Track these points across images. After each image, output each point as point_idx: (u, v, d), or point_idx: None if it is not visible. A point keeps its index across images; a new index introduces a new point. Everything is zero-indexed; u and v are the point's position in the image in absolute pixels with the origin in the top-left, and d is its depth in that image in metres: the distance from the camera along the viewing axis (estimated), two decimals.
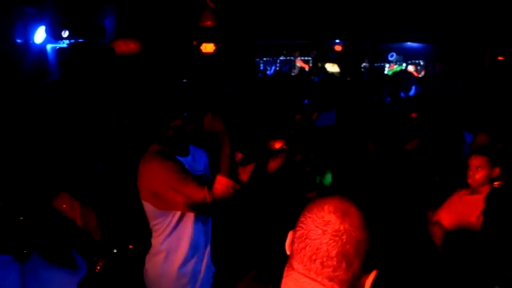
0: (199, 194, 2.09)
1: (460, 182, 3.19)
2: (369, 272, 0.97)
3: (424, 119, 4.51)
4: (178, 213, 2.23)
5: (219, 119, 2.16)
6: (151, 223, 2.31)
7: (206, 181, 2.26)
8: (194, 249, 2.32)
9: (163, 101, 2.20)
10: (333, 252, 0.95)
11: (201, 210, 2.20)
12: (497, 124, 5.27)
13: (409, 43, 11.74)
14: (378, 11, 9.38)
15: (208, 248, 2.45)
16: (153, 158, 2.20)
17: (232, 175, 2.13)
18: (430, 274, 2.94)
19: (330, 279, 0.96)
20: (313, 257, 0.97)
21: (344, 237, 0.95)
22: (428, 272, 2.96)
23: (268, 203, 3.13)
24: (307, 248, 0.98)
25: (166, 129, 2.19)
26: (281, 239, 1.10)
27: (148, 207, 2.25)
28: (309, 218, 1.00)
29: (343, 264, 0.95)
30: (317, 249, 0.96)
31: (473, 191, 2.97)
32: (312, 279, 0.98)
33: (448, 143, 3.79)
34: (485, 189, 2.93)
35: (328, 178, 3.53)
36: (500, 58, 10.39)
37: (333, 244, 0.95)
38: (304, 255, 0.98)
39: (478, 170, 2.92)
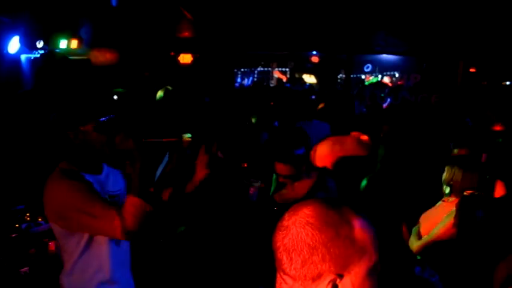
0: (106, 214, 1.97)
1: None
2: (328, 275, 1.00)
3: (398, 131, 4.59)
4: (87, 235, 2.12)
5: (130, 138, 2.06)
6: (60, 243, 2.20)
7: (116, 203, 2.18)
8: (111, 272, 2.19)
9: (78, 99, 2.14)
10: (277, 244, 1.06)
11: (110, 233, 2.02)
12: (472, 134, 5.38)
13: (384, 55, 11.96)
14: (354, 24, 9.53)
15: (128, 273, 2.34)
16: (58, 177, 2.09)
17: (144, 195, 2.00)
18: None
19: (284, 272, 1.05)
20: (274, 251, 1.08)
21: (284, 232, 1.04)
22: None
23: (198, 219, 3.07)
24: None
25: (75, 133, 2.09)
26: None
27: (55, 228, 2.14)
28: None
29: (285, 257, 1.03)
30: (273, 243, 1.08)
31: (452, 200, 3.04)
32: (277, 271, 1.09)
33: (434, 154, 3.86)
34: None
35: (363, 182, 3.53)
36: (472, 70, 10.67)
37: (277, 237, 1.06)
38: None
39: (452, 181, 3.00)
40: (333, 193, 2.72)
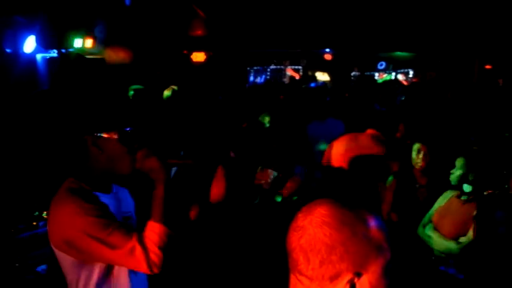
0: (126, 243, 1.71)
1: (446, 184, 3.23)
2: (346, 274, 0.99)
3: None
4: (102, 266, 1.83)
5: (154, 156, 1.83)
6: (68, 277, 1.87)
7: (131, 226, 1.91)
8: None
9: (106, 101, 1.92)
10: (292, 245, 1.04)
11: (133, 265, 1.75)
12: (486, 132, 5.31)
13: (398, 52, 11.87)
14: (368, 21, 9.47)
15: None
16: (67, 198, 1.79)
17: (167, 221, 1.78)
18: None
19: (300, 273, 1.04)
20: (288, 251, 1.07)
21: (301, 232, 1.03)
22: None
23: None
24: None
25: (94, 140, 1.81)
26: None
27: (62, 258, 1.82)
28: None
29: (301, 258, 1.02)
30: (288, 243, 1.06)
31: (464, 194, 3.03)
32: (292, 272, 1.07)
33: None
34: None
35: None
36: (487, 67, 10.54)
37: (292, 238, 1.05)
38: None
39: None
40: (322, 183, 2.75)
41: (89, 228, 1.71)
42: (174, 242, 1.78)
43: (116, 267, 1.85)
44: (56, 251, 1.82)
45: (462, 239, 2.92)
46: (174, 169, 3.19)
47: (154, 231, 1.76)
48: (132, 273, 1.89)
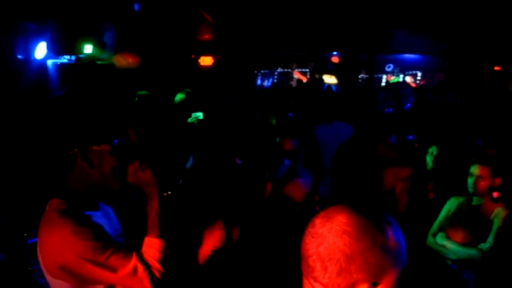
0: (127, 264, 1.64)
1: (455, 190, 3.20)
2: (362, 284, 0.99)
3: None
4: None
5: (148, 169, 1.74)
6: None
7: (127, 245, 1.81)
8: None
9: (98, 112, 1.83)
10: (309, 252, 1.03)
11: (133, 284, 1.67)
12: (497, 133, 5.27)
13: (406, 54, 11.83)
14: (375, 23, 9.45)
15: None
16: (58, 221, 1.67)
17: (165, 236, 1.72)
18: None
19: (314, 280, 1.03)
20: (303, 257, 1.06)
21: (319, 239, 1.02)
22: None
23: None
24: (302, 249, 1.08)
25: (83, 154, 1.70)
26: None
27: (58, 284, 1.70)
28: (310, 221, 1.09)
29: (318, 266, 1.01)
30: (304, 249, 1.05)
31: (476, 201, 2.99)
32: (306, 277, 1.07)
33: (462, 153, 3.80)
34: (489, 202, 2.95)
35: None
36: (497, 68, 10.47)
37: (310, 244, 1.03)
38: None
39: (480, 180, 2.93)
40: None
41: (86, 253, 1.63)
42: (173, 255, 1.73)
43: None
44: (51, 279, 1.71)
45: (482, 245, 2.89)
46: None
47: (153, 247, 1.70)
48: None
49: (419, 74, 13.07)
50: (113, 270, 1.64)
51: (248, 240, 2.83)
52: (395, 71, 13.41)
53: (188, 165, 4.01)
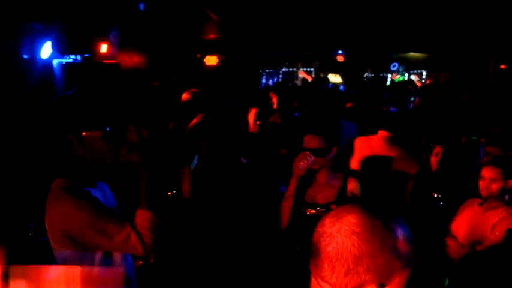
0: (121, 231, 1.89)
1: (470, 192, 3.17)
2: (369, 285, 0.99)
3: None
4: (100, 255, 1.98)
5: (135, 152, 2.00)
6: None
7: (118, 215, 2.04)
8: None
9: (88, 103, 2.01)
10: (318, 251, 1.04)
11: (129, 250, 1.97)
12: (504, 132, 5.25)
13: (411, 53, 11.78)
14: (380, 22, 9.42)
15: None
16: (62, 196, 1.94)
17: (153, 208, 1.97)
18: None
19: (322, 279, 1.03)
20: (311, 256, 1.06)
21: (328, 239, 1.02)
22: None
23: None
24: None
25: (79, 139, 1.95)
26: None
27: (60, 252, 1.96)
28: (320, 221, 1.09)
29: (326, 265, 1.01)
30: (312, 248, 1.06)
31: (487, 203, 2.96)
32: (313, 276, 1.07)
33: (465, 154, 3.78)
34: (500, 203, 2.92)
35: None
36: (502, 67, 10.40)
37: (318, 244, 1.04)
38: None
39: (492, 182, 2.88)
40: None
41: (87, 222, 1.87)
42: (161, 227, 1.95)
43: (114, 254, 2.01)
44: (57, 248, 1.96)
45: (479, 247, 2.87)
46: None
47: (143, 217, 1.94)
48: (123, 258, 2.07)
49: (424, 72, 13.03)
50: (110, 237, 1.88)
51: (258, 239, 2.84)
52: (401, 69, 13.38)
53: (193, 165, 4.03)
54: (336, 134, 2.99)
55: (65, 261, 1.96)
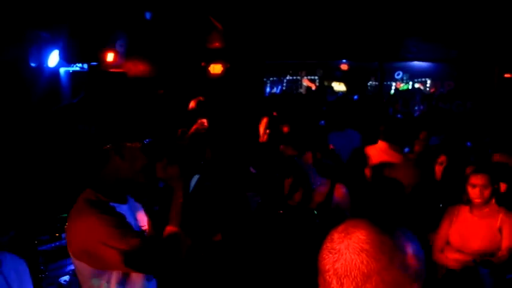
0: (133, 242, 1.78)
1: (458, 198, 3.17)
2: None
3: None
4: (119, 273, 1.89)
5: (176, 165, 1.92)
6: (85, 285, 1.92)
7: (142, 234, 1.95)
8: None
9: (131, 113, 2.01)
10: (326, 267, 1.02)
11: (141, 266, 1.83)
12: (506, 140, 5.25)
13: (415, 62, 11.79)
14: (384, 30, 9.45)
15: None
16: (86, 209, 1.87)
17: (183, 226, 1.86)
18: None
19: None
20: (320, 271, 1.04)
21: (337, 255, 1.01)
22: None
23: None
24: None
25: (117, 149, 1.88)
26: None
27: (81, 266, 1.89)
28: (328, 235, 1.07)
29: (335, 281, 1.00)
30: (321, 264, 1.04)
31: (479, 209, 2.97)
32: None
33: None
34: (492, 208, 2.93)
35: None
36: (507, 75, 10.39)
37: (327, 259, 1.02)
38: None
39: (484, 189, 2.93)
40: None
41: (107, 239, 1.77)
42: (190, 248, 1.88)
43: (133, 274, 1.91)
44: (75, 260, 1.89)
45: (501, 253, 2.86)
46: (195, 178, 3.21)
47: (172, 236, 1.85)
48: (146, 278, 1.96)
49: (428, 81, 13.03)
50: (123, 251, 1.76)
51: (264, 249, 2.84)
52: (405, 78, 13.38)
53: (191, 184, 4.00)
54: (308, 140, 3.03)
55: (82, 275, 1.90)
